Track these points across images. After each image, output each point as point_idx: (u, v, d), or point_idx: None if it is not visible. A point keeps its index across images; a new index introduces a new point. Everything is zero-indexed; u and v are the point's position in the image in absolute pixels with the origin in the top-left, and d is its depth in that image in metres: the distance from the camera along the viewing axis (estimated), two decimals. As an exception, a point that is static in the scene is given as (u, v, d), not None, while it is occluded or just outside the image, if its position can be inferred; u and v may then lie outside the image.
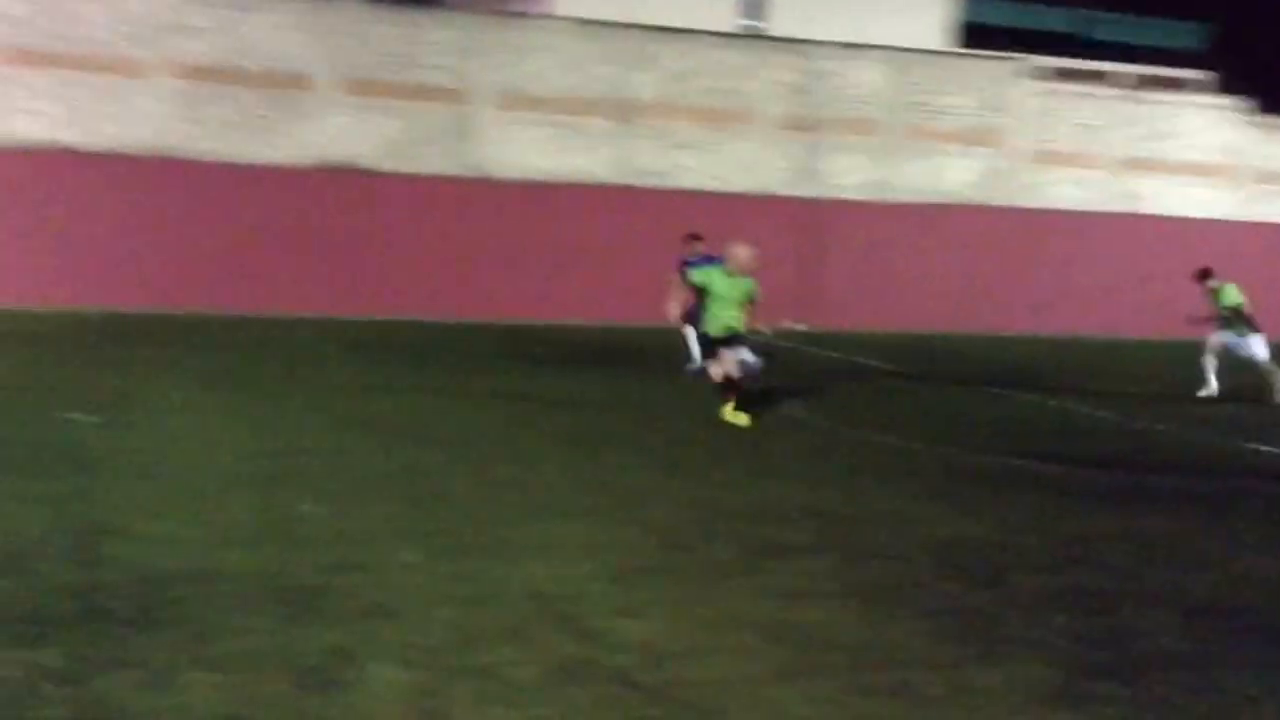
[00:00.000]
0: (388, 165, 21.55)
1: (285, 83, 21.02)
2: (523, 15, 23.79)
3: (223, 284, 20.32)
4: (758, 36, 25.15)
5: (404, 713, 4.51)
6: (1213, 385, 15.31)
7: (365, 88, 21.44)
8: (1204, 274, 15.79)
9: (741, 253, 11.79)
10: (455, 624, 5.49)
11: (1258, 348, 15.32)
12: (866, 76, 24.20)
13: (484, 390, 13.04)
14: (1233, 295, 15.43)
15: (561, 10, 23.73)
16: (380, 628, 5.38)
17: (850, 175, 24.17)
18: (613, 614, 5.75)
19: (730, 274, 11.79)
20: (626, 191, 22.66)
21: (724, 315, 11.70)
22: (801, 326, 21.28)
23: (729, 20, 25.52)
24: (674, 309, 12.79)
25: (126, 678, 4.67)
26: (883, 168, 24.35)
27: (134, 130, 20.30)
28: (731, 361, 11.60)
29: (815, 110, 23.92)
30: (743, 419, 11.36)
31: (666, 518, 7.75)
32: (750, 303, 11.86)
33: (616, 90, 22.86)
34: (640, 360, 16.23)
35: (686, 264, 14.21)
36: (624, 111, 22.92)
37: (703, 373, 12.70)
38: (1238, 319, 15.35)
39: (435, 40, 21.86)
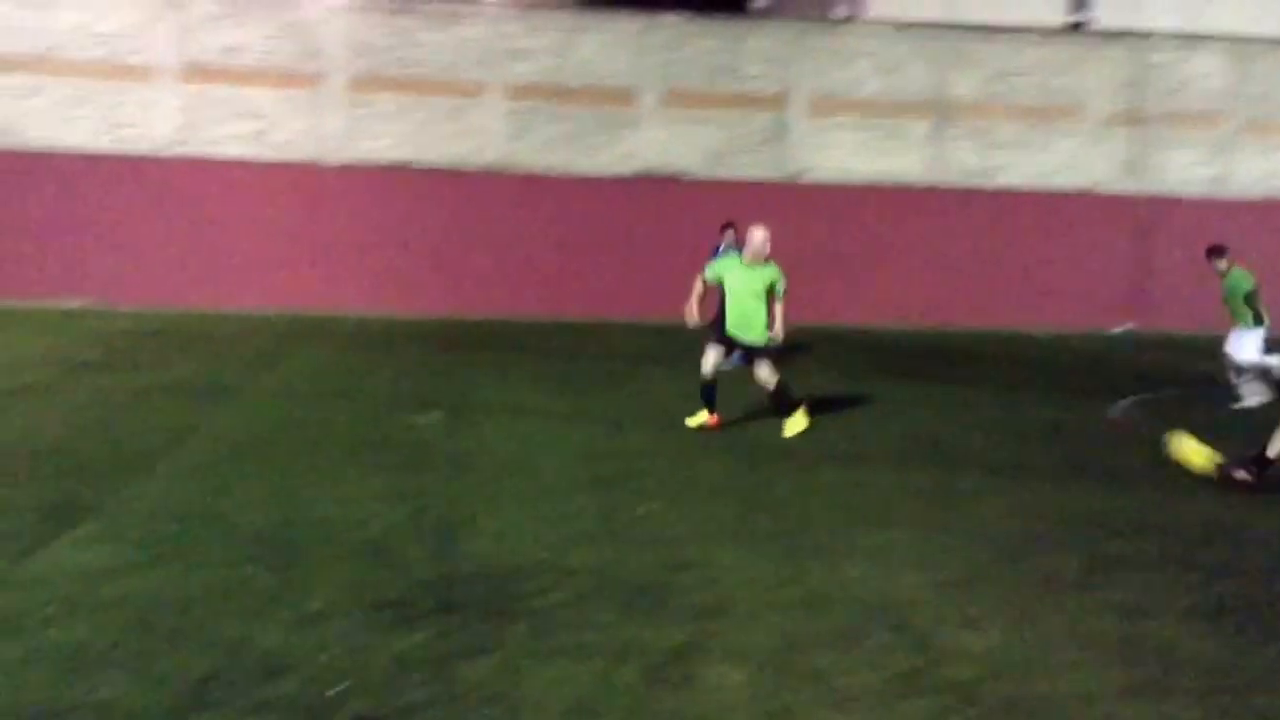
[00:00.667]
0: (707, 173, 22.00)
1: (609, 98, 21.83)
2: (841, 20, 23.68)
3: (550, 290, 21.34)
4: (1086, 31, 24.02)
5: (748, 713, 4.59)
6: None
7: (686, 99, 21.96)
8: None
9: (757, 236, 10.25)
10: (787, 627, 5.53)
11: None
12: (1204, 68, 22.67)
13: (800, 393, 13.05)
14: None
15: (877, 13, 23.47)
16: (716, 627, 5.49)
17: (1184, 171, 22.72)
18: (948, 624, 5.64)
19: (749, 264, 10.33)
20: (944, 193, 22.18)
21: (741, 311, 10.32)
22: (1129, 327, 20.17)
23: (1054, 15, 24.50)
24: (692, 309, 10.68)
25: (483, 664, 4.97)
26: (1220, 163, 22.74)
27: (469, 147, 21.62)
28: (712, 360, 10.40)
29: (1147, 104, 22.64)
30: (799, 425, 10.31)
31: (997, 526, 7.52)
32: (774, 295, 10.35)
33: (935, 91, 22.41)
34: (964, 363, 15.82)
35: (714, 254, 13.04)
36: (942, 112, 22.43)
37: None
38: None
39: (754, 49, 22.13)
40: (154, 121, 20.97)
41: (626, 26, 21.91)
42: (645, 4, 22.32)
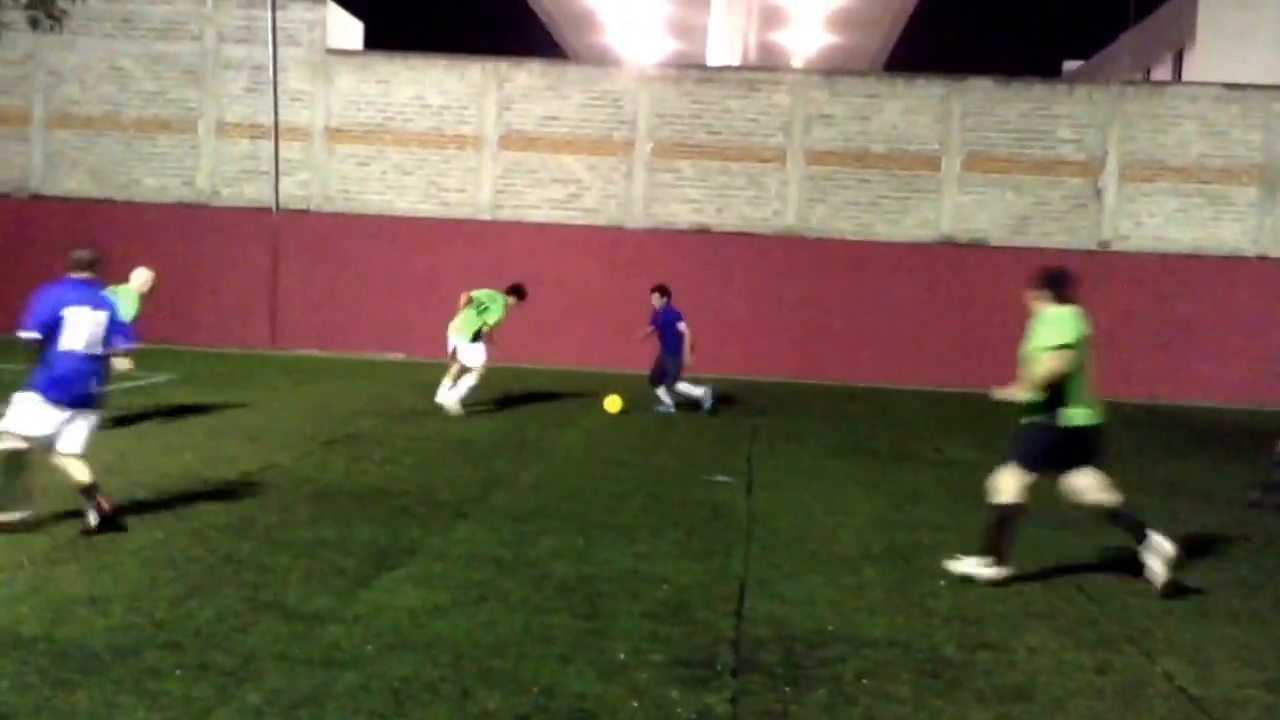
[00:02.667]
0: (1010, 240, 21.44)
1: (911, 163, 21.68)
2: (1162, 83, 22.68)
3: (845, 356, 21.25)
4: None
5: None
6: None
7: (990, 164, 21.53)
8: None
9: None
10: (1096, 717, 5.29)
11: None
12: None
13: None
14: None
15: (1198, 74, 22.34)
16: (1019, 712, 5.31)
17: None
18: (1279, 731, 5.25)
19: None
20: (1275, 263, 20.75)
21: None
22: None
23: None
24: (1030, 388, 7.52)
25: (783, 728, 5.01)
26: None
27: (767, 212, 21.92)
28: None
29: None
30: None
31: (1337, 630, 6.92)
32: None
33: (1265, 155, 21.05)
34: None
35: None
36: (1273, 178, 21.03)
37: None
38: None
39: (1066, 113, 21.47)
40: (475, 187, 22.37)
41: (932, 91, 21.74)
42: (951, 68, 22.09)
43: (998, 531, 7.48)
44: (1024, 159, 21.51)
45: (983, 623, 6.69)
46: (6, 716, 4.63)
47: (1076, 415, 7.32)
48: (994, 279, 21.16)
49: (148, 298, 12.53)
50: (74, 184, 22.63)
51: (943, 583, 7.49)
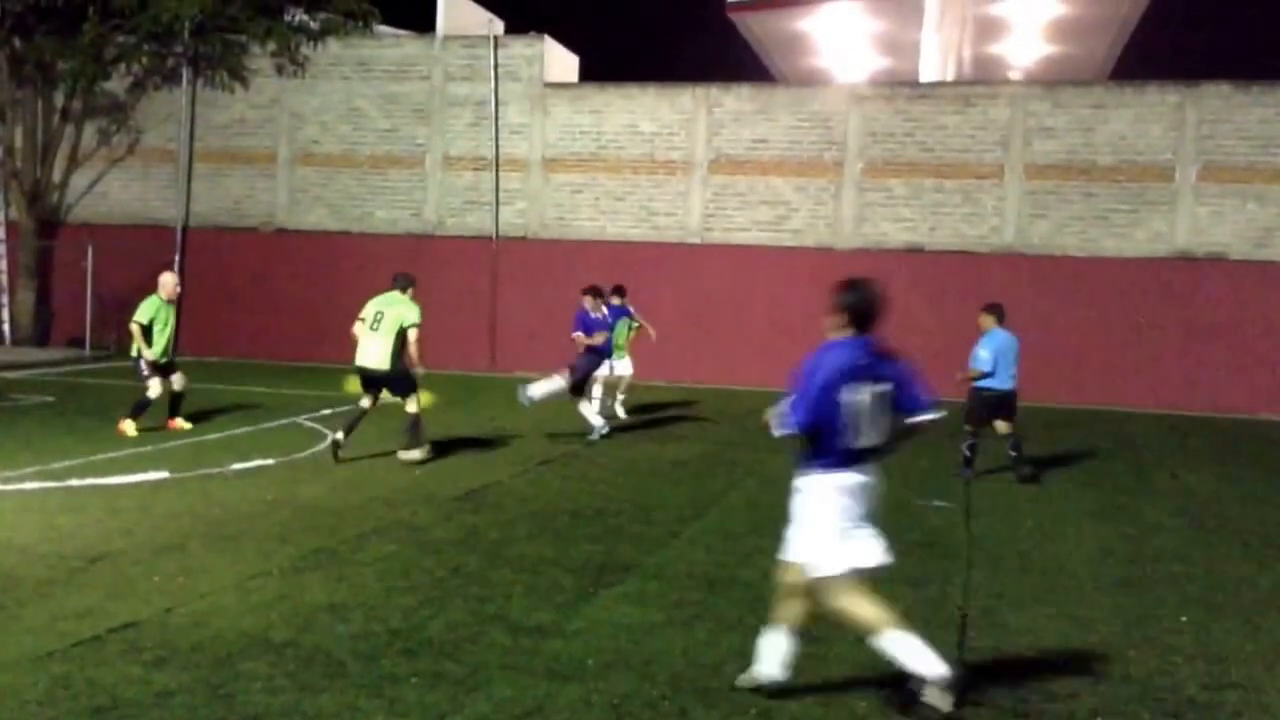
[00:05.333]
0: (1250, 254, 20.28)
1: (1142, 174, 20.77)
2: None
3: (1071, 376, 20.49)
4: None
5: None
6: None
7: (1228, 174, 20.43)
8: None
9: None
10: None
11: None
12: None
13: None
14: None
15: None
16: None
17: None
18: None
19: None
20: None
21: None
22: None
23: None
24: None
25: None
26: None
27: (984, 229, 21.37)
28: None
29: None
30: None
31: None
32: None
33: None
34: None
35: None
36: None
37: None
38: None
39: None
40: (685, 211, 22.62)
41: (1164, 98, 20.77)
42: (1184, 74, 21.04)
43: None
44: (1267, 167, 20.31)
45: (1229, 660, 6.34)
46: (259, 717, 4.94)
47: None
48: (1235, 295, 20.06)
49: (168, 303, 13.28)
50: (315, 218, 23.96)
51: (1184, 619, 7.13)
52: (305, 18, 23.59)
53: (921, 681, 5.23)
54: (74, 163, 24.03)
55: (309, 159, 23.99)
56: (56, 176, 23.86)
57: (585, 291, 14.86)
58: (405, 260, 22.61)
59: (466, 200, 23.36)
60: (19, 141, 23.08)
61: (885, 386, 5.39)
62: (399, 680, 5.39)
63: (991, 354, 12.19)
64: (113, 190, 24.51)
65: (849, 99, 22.22)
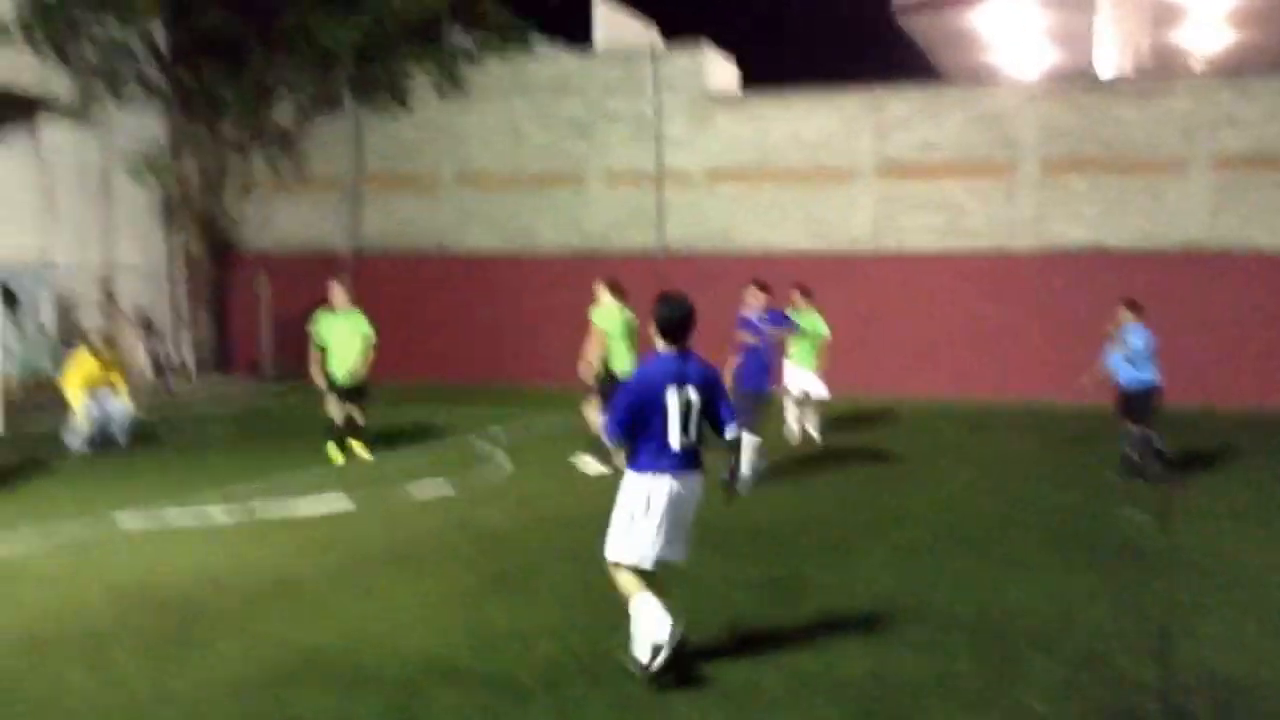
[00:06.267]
0: None
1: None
2: None
3: (1262, 378, 19.43)
4: None
5: None
6: None
7: None
8: None
9: None
10: None
11: None
12: None
13: None
14: None
15: None
16: None
17: None
18: None
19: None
20: None
21: None
22: None
23: None
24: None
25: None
26: None
27: (1167, 225, 20.45)
28: None
29: None
30: None
31: None
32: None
33: None
34: None
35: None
36: None
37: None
38: None
39: None
40: (854, 218, 22.27)
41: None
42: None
43: None
44: None
45: None
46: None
47: None
48: None
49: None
50: (479, 238, 24.43)
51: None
52: (462, 39, 24.05)
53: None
54: (245, 192, 24.94)
55: (471, 179, 24.47)
56: (228, 207, 24.77)
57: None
58: (571, 278, 22.89)
59: (630, 215, 23.48)
60: (191, 173, 24.06)
61: (694, 395, 5.84)
62: (585, 705, 5.40)
63: (1143, 346, 12.29)
64: (283, 218, 25.37)
65: (1022, 96, 21.57)
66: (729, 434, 6.08)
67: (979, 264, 21.25)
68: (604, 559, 6.06)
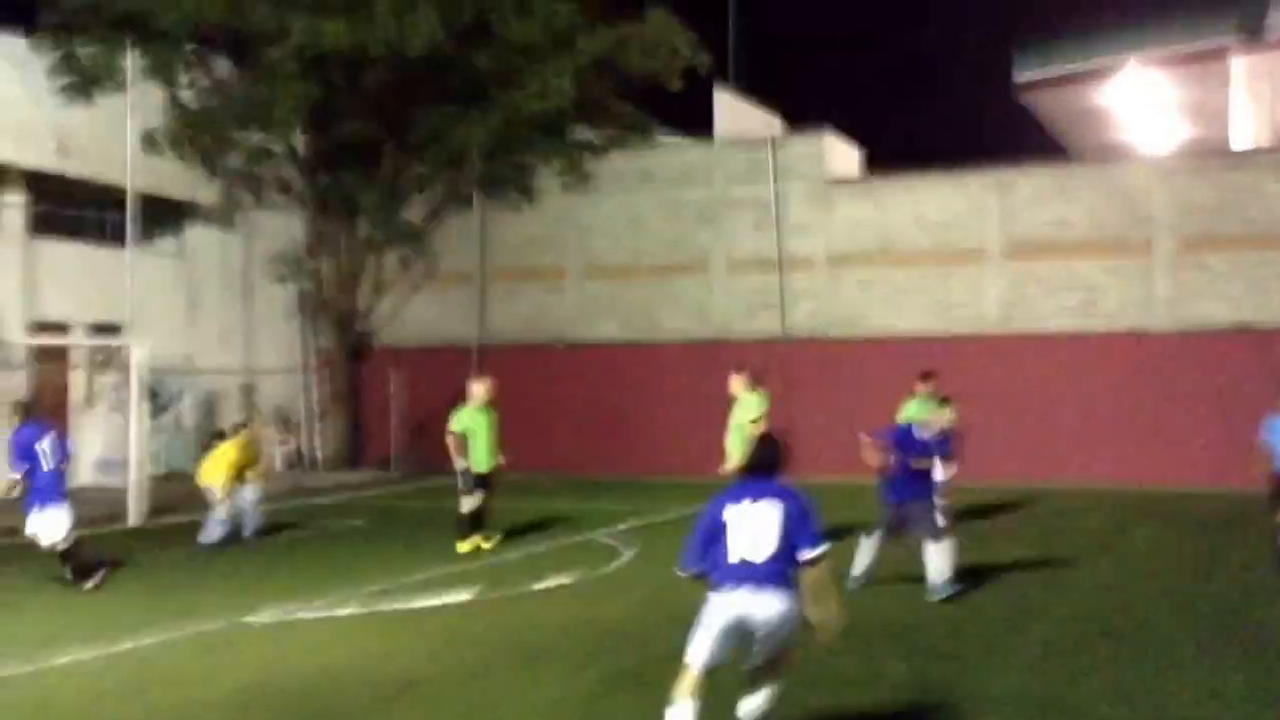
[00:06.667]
0: None
1: None
2: None
3: None
4: None
5: None
6: None
7: None
8: None
9: None
10: None
11: None
12: None
13: None
14: None
15: None
16: None
17: None
18: None
19: None
20: None
21: None
22: None
23: None
24: None
25: None
26: None
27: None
28: None
29: None
30: None
31: None
32: None
33: None
34: None
35: None
36: None
37: None
38: None
39: None
40: (982, 300, 21.79)
41: None
42: None
43: None
44: None
45: None
46: None
47: None
48: None
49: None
50: (604, 329, 24.51)
51: None
52: (588, 135, 24.47)
53: None
54: (378, 290, 25.56)
55: (596, 271, 24.68)
56: (362, 304, 25.40)
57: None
58: (695, 366, 22.78)
59: (753, 302, 23.36)
60: (328, 272, 24.77)
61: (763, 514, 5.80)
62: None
63: None
64: (413, 313, 25.86)
65: (1155, 172, 21.03)
66: (803, 555, 5.78)
67: (1117, 345, 20.59)
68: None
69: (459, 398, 14.15)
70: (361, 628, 9.43)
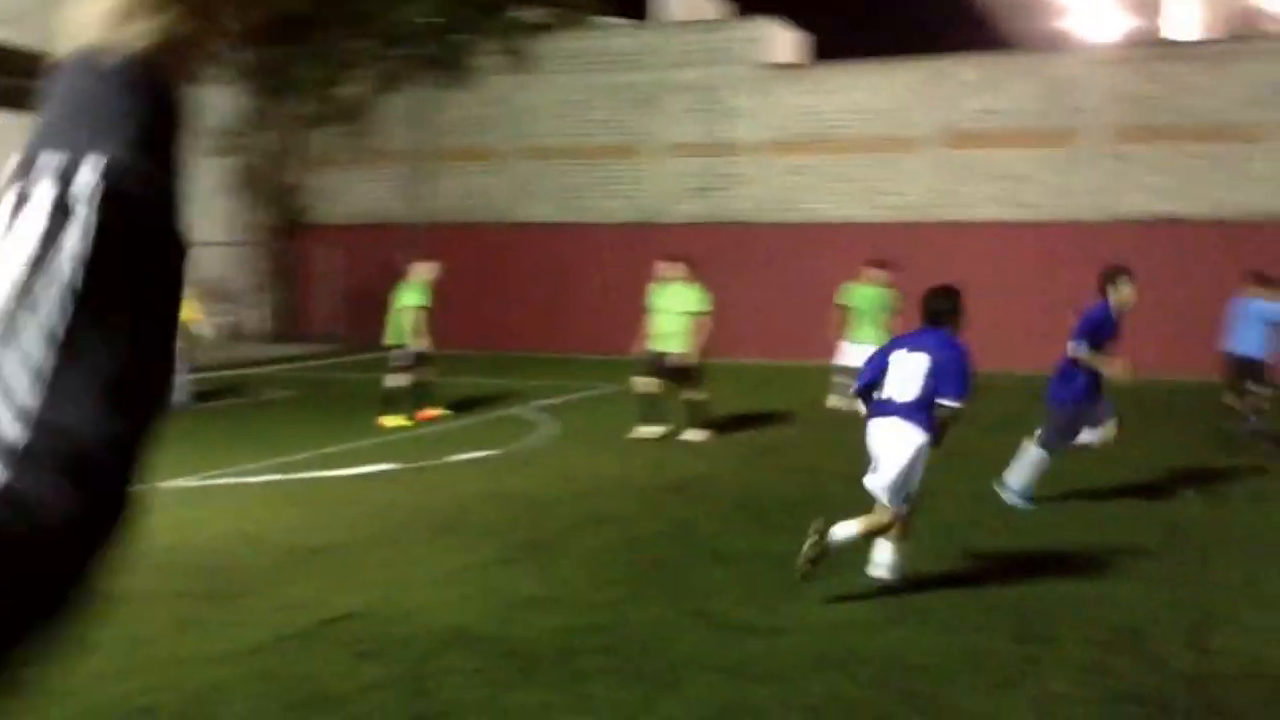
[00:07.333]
0: None
1: None
2: None
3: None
4: None
5: None
6: None
7: None
8: None
9: None
10: None
11: None
12: None
13: None
14: None
15: None
16: None
17: None
18: None
19: None
20: None
21: None
22: None
23: None
24: None
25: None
26: None
27: (1243, 195, 19.85)
28: None
29: None
30: None
31: None
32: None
33: None
34: None
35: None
36: None
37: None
38: None
39: None
40: (912, 189, 21.91)
41: None
42: None
43: None
44: None
45: None
46: (452, 713, 4.99)
47: None
48: None
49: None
50: (541, 211, 24.40)
51: None
52: (528, 14, 24.04)
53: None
54: (316, 167, 25.20)
55: (534, 153, 24.48)
56: (298, 180, 25.06)
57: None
58: (629, 250, 22.80)
59: (689, 188, 23.33)
60: (264, 147, 24.36)
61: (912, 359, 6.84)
62: (593, 677, 5.36)
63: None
64: (352, 191, 25.62)
65: (1088, 62, 21.05)
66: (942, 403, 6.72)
67: (1041, 235, 20.85)
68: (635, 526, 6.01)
69: (398, 275, 14.17)
70: (280, 494, 9.55)
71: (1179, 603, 6.71)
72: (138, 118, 0.69)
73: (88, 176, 0.66)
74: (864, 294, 14.88)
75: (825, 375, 15.91)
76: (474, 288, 24.13)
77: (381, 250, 23.02)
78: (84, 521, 0.64)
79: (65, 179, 0.67)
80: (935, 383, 6.65)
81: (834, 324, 15.07)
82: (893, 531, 6.82)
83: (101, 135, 0.68)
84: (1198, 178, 20.14)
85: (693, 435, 12.39)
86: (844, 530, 6.64)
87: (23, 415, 0.60)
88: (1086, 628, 6.20)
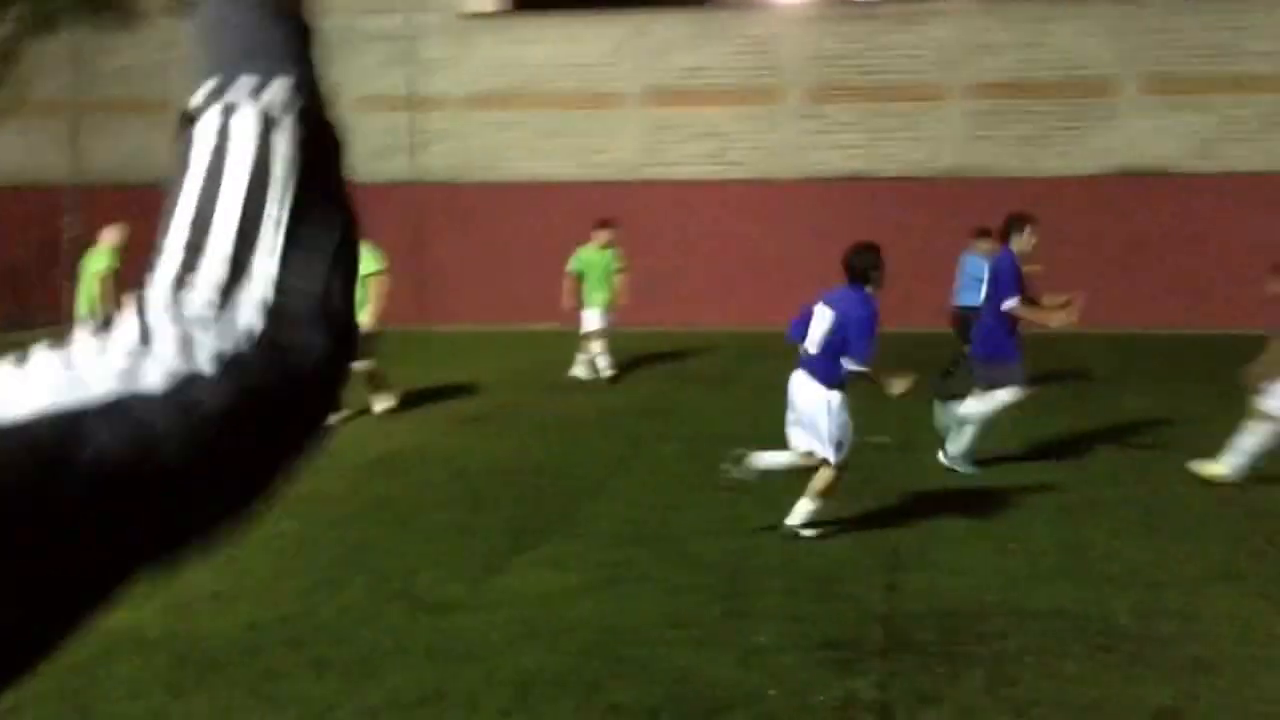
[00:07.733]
0: (1196, 166, 20.00)
1: (1085, 90, 20.40)
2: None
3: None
4: None
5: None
6: None
7: (1172, 85, 20.08)
8: None
9: None
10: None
11: None
12: None
13: None
14: None
15: None
16: (1205, 687, 4.78)
17: None
18: None
19: None
20: None
21: None
22: None
23: None
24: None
25: (933, 715, 4.59)
26: None
27: (926, 153, 20.94)
28: None
29: None
30: None
31: None
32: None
33: None
34: None
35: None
36: None
37: None
38: None
39: (1260, 24, 19.80)
40: (620, 147, 21.98)
41: (1107, 10, 20.30)
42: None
43: None
44: (1209, 77, 19.95)
45: (1162, 587, 6.11)
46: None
47: None
48: (1180, 209, 19.78)
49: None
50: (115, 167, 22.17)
51: (1118, 542, 6.89)
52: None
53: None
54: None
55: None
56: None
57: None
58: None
59: (383, 145, 22.15)
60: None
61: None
62: (283, 674, 5.00)
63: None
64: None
65: (787, 20, 21.60)
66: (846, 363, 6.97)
67: (745, 193, 21.32)
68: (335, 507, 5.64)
69: (56, 241, 12.97)
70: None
71: (873, 547, 6.94)
72: (294, 41, 0.89)
73: (282, 94, 0.82)
74: (593, 258, 14.74)
75: (538, 339, 15.76)
76: (141, 254, 22.36)
77: (32, 214, 20.78)
78: (329, 361, 0.73)
79: (263, 97, 0.83)
80: (842, 340, 6.92)
81: (567, 293, 14.84)
82: (819, 485, 7.02)
83: (277, 59, 0.85)
84: (885, 136, 21.09)
85: (378, 405, 11.62)
86: (768, 464, 7.32)
87: (273, 283, 0.72)
88: (789, 578, 6.31)
